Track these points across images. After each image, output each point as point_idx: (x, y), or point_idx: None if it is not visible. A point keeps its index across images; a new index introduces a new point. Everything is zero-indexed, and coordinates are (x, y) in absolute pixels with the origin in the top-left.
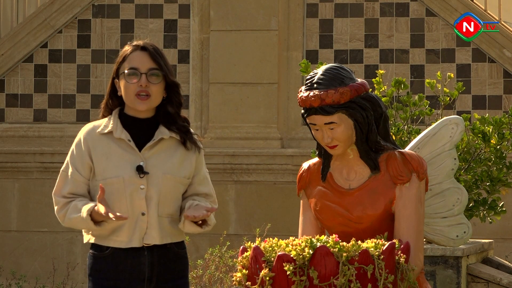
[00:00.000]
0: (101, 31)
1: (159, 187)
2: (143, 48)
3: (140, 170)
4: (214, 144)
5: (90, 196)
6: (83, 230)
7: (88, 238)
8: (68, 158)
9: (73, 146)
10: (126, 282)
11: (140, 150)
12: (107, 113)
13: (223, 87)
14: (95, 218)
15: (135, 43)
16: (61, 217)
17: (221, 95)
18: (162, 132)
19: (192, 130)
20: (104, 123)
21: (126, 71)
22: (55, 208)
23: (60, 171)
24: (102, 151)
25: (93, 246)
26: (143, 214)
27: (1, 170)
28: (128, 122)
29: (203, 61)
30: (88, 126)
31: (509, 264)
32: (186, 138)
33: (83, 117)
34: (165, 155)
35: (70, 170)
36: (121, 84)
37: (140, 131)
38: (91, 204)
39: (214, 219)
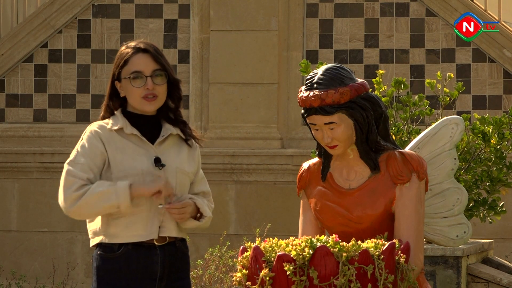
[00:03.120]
0: (101, 31)
1: (174, 180)
2: (144, 50)
3: (158, 162)
4: (214, 144)
5: None
6: (89, 232)
7: (97, 240)
8: (78, 148)
9: (84, 140)
10: (137, 282)
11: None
12: (108, 114)
13: (223, 87)
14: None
15: (133, 44)
16: (75, 197)
17: (221, 95)
18: (169, 128)
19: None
20: (111, 121)
21: (131, 76)
22: (70, 188)
23: (68, 160)
24: (116, 145)
25: (101, 246)
26: (160, 205)
27: (1, 170)
28: (133, 120)
29: (203, 61)
30: (96, 124)
31: (509, 264)
32: (187, 136)
33: (83, 117)
34: (174, 151)
35: (82, 159)
36: (126, 87)
37: (144, 128)
38: (127, 180)
39: (210, 213)
